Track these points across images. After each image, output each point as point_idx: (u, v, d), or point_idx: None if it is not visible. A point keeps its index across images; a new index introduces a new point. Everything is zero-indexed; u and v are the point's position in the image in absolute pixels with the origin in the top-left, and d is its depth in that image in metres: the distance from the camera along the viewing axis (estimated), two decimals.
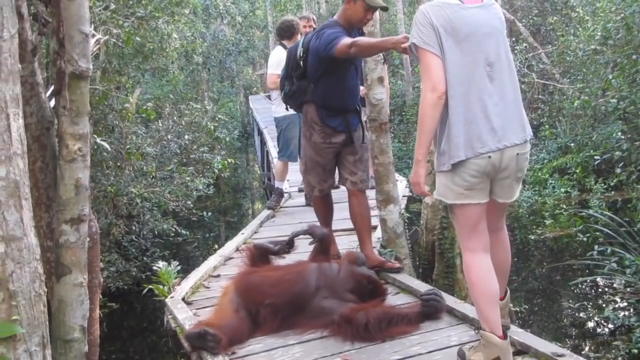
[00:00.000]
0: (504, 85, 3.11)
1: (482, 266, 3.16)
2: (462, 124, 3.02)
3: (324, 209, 5.17)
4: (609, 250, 6.58)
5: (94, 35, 7.37)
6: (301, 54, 4.81)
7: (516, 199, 3.33)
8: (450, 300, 4.11)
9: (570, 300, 7.66)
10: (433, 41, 3.01)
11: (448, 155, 3.05)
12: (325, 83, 4.72)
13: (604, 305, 7.19)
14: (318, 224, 5.31)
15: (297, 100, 4.96)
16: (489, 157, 3.01)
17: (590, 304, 7.50)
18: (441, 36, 3.00)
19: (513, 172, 3.12)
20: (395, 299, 4.34)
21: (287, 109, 5.46)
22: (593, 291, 7.87)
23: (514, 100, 3.15)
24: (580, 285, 7.84)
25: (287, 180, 9.13)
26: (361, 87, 5.18)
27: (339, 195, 5.38)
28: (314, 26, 7.39)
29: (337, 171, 5.09)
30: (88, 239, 3.17)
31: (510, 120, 3.09)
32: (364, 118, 5.12)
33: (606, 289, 7.74)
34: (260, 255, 4.45)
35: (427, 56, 3.02)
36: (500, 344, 3.08)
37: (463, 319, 3.85)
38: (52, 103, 3.39)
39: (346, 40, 4.35)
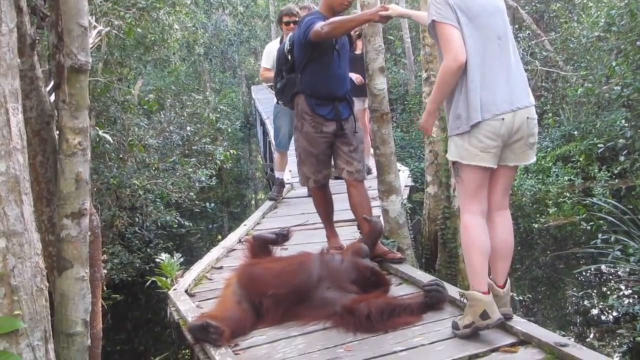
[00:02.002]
0: (510, 56, 3.44)
1: (480, 227, 3.46)
2: (478, 89, 3.31)
3: (323, 200, 5.18)
4: (612, 238, 6.55)
5: (95, 27, 7.39)
6: (288, 47, 4.95)
7: (533, 162, 3.67)
8: (452, 290, 4.10)
9: (574, 289, 7.65)
10: (452, 17, 3.30)
11: (466, 118, 3.33)
12: (311, 71, 4.80)
13: (608, 293, 7.18)
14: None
15: (288, 93, 5.01)
16: (502, 119, 3.30)
17: (595, 292, 7.49)
18: (457, 13, 3.31)
19: (525, 135, 3.41)
20: (398, 290, 4.34)
21: (277, 102, 5.49)
22: (597, 279, 7.85)
23: (519, 70, 3.49)
24: (584, 274, 7.83)
25: (290, 171, 9.12)
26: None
27: (341, 186, 5.37)
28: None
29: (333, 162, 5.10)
30: (89, 233, 3.16)
31: (519, 86, 3.42)
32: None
33: (610, 277, 7.73)
34: (260, 246, 4.46)
35: (448, 29, 3.31)
36: (484, 298, 3.37)
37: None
38: (53, 97, 3.38)
39: (320, 22, 4.49)
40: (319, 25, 4.47)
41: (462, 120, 3.36)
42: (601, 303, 7.01)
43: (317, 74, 4.80)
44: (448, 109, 3.50)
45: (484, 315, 3.34)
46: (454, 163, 3.52)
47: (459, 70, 3.30)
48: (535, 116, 3.46)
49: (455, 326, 3.52)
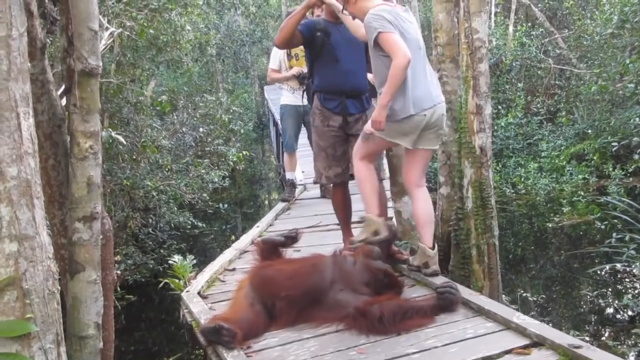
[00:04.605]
0: (427, 64, 4.39)
1: (371, 169, 4.54)
2: (410, 89, 4.15)
3: (341, 201, 5.23)
4: (627, 237, 6.51)
5: (107, 29, 7.43)
6: None
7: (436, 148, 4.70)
8: (465, 292, 4.09)
9: (589, 288, 7.60)
10: (392, 28, 4.06)
11: (400, 110, 4.18)
12: (317, 69, 5.08)
13: (623, 292, 7.14)
14: (334, 215, 5.37)
15: (310, 94, 5.26)
16: (425, 114, 4.21)
17: (609, 291, 7.44)
18: (394, 27, 4.08)
19: (439, 126, 4.37)
20: (411, 292, 4.32)
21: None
22: (612, 278, 7.80)
23: (433, 74, 4.48)
24: (598, 273, 7.78)
25: (303, 172, 9.11)
26: (371, 76, 5.17)
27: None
28: (321, 15, 7.38)
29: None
30: (101, 236, 3.17)
31: (435, 87, 4.38)
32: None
33: (625, 276, 7.68)
34: (269, 249, 4.45)
35: (392, 36, 4.05)
36: (377, 219, 4.41)
37: (479, 311, 3.83)
38: (64, 101, 3.39)
39: None
40: None
41: (394, 112, 4.18)
42: (616, 302, 6.96)
43: (322, 70, 5.02)
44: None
45: (376, 233, 4.37)
46: (370, 134, 4.34)
47: (408, 65, 4.00)
48: (445, 113, 4.41)
49: (351, 242, 4.53)
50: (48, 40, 3.94)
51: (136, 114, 9.12)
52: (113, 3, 8.23)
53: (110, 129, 6.44)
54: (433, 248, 4.46)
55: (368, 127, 4.35)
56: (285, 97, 7.81)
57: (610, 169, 11.13)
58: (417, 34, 4.34)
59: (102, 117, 8.25)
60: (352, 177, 5.23)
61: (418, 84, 4.20)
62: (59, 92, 3.47)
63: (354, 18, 4.54)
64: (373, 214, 4.44)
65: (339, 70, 4.93)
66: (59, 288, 2.53)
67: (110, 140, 6.43)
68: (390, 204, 5.42)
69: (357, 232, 5.44)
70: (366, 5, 4.32)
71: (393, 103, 4.16)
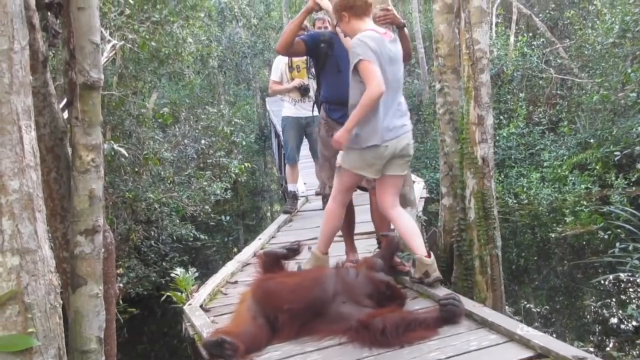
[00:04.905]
0: (399, 96, 4.46)
1: (339, 213, 4.66)
2: (378, 120, 4.25)
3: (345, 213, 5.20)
4: (631, 247, 6.49)
5: (109, 41, 7.45)
6: None
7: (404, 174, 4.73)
8: (468, 304, 4.07)
9: (593, 298, 7.58)
10: (373, 57, 4.13)
11: (364, 139, 4.27)
12: (322, 79, 5.14)
13: (627, 302, 7.11)
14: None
15: (319, 105, 5.29)
16: (387, 145, 4.31)
17: (613, 301, 7.41)
18: (375, 55, 4.15)
19: (405, 155, 4.48)
20: (414, 304, 4.31)
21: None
22: (616, 288, 7.77)
23: (402, 104, 4.49)
24: (602, 283, 7.76)
25: (305, 184, 9.10)
26: None
27: (363, 197, 5.37)
28: (329, 27, 7.40)
29: None
30: (103, 250, 3.15)
31: (401, 118, 4.44)
32: None
33: (629, 286, 7.65)
34: (271, 262, 4.43)
35: (372, 65, 4.12)
36: (323, 257, 4.71)
37: (482, 322, 3.81)
38: (66, 114, 3.38)
39: None
40: None
41: (360, 139, 4.28)
42: (620, 312, 6.93)
43: (326, 81, 5.07)
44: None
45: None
46: (340, 166, 4.51)
47: (380, 96, 4.10)
48: (411, 141, 4.53)
49: (299, 268, 4.69)
50: (50, 53, 3.95)
51: (138, 126, 9.13)
52: (115, 16, 8.26)
53: (112, 142, 6.44)
54: (429, 256, 4.47)
55: (339, 160, 4.53)
56: (286, 108, 7.81)
57: (613, 179, 11.12)
58: (397, 67, 4.41)
59: (104, 129, 8.26)
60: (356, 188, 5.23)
61: (387, 116, 4.32)
62: (61, 105, 3.47)
63: (345, 36, 4.58)
64: (319, 252, 4.73)
65: (342, 81, 4.92)
66: (61, 302, 2.52)
67: (113, 153, 6.43)
68: None
69: (360, 244, 5.46)
70: (358, 27, 4.37)
71: (360, 130, 4.27)
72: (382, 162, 4.36)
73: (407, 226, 4.48)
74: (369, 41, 4.17)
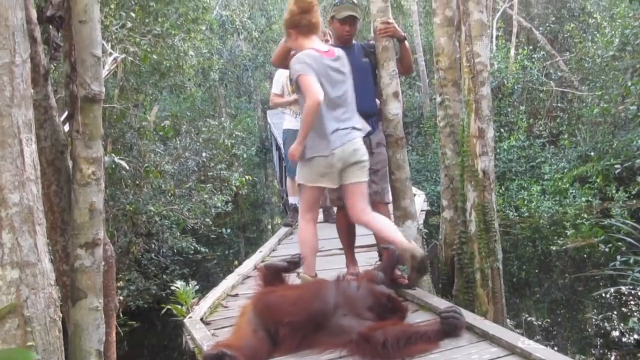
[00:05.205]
0: (345, 106, 4.51)
1: (312, 230, 4.70)
2: (322, 131, 4.37)
3: (344, 226, 5.20)
4: (632, 260, 6.47)
5: (111, 54, 7.47)
6: None
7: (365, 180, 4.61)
8: (469, 317, 4.05)
9: (594, 311, 7.56)
10: (310, 71, 4.30)
11: (310, 150, 4.41)
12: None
13: (628, 315, 7.08)
14: (337, 240, 5.36)
15: None
16: (334, 153, 4.37)
17: (615, 314, 7.39)
18: (312, 70, 4.30)
19: (355, 161, 4.47)
20: (415, 317, 4.29)
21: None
22: (617, 301, 7.75)
23: (352, 112, 4.57)
24: (603, 296, 7.74)
25: None
26: (377, 101, 5.20)
27: None
28: (330, 40, 7.43)
29: None
30: (103, 263, 3.15)
31: (349, 124, 4.49)
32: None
33: (630, 299, 7.63)
34: (272, 275, 4.42)
35: (309, 78, 4.28)
36: (311, 280, 4.63)
37: (483, 335, 3.79)
38: (67, 127, 3.39)
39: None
40: None
41: (306, 151, 4.42)
42: (622, 325, 6.91)
43: None
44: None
45: None
46: (299, 184, 4.64)
47: (318, 107, 4.23)
48: (361, 146, 4.50)
49: None
50: (51, 67, 3.96)
51: (139, 139, 9.15)
52: (117, 29, 8.29)
53: (113, 154, 6.45)
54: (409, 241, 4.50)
55: (296, 177, 4.71)
56: (287, 121, 7.81)
57: (614, 192, 11.12)
58: (344, 80, 4.53)
59: (105, 142, 8.28)
60: None
61: (330, 127, 4.41)
62: (62, 118, 3.48)
63: (292, 51, 4.71)
64: (308, 275, 4.70)
65: None
66: (61, 315, 2.51)
67: (113, 166, 6.43)
68: None
69: (360, 257, 5.45)
70: (304, 44, 4.52)
71: (306, 142, 4.42)
72: (334, 171, 4.46)
73: (383, 224, 4.55)
74: (306, 58, 4.37)
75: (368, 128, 4.75)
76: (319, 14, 4.68)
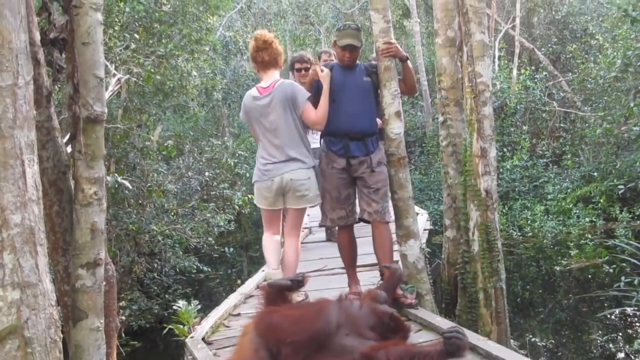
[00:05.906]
0: (282, 140, 4.94)
1: (271, 240, 5.25)
2: (261, 161, 5.01)
3: (346, 245, 5.23)
4: (636, 281, 6.44)
5: (115, 75, 7.52)
6: None
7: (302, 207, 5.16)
8: (473, 337, 4.04)
9: (599, 332, 7.51)
10: (245, 119, 5.22)
11: (255, 175, 5.07)
12: None
13: (634, 336, 7.04)
14: (339, 259, 5.36)
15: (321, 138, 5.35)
16: (273, 180, 4.93)
17: (620, 335, 7.34)
18: (246, 110, 5.10)
19: (293, 190, 4.96)
20: (417, 336, 4.28)
21: None
22: (622, 322, 7.71)
23: (293, 145, 4.97)
24: (608, 317, 7.69)
25: (308, 215, 9.09)
26: (378, 120, 5.22)
27: (366, 229, 5.36)
28: (334, 59, 7.48)
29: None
30: (104, 283, 3.15)
31: (286, 156, 4.94)
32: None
33: (635, 320, 7.59)
34: (276, 293, 4.40)
35: (249, 125, 5.19)
36: (274, 272, 5.11)
37: (487, 356, 3.78)
38: (69, 148, 3.41)
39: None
40: None
41: (254, 177, 5.09)
42: (627, 347, 6.86)
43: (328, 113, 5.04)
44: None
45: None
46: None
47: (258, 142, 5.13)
48: (300, 177, 4.93)
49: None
50: (54, 88, 3.98)
51: (142, 158, 9.17)
52: (121, 50, 8.34)
53: (116, 174, 6.46)
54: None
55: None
56: None
57: (617, 212, 11.09)
58: (271, 116, 4.95)
59: (108, 162, 8.30)
60: (358, 220, 5.22)
61: (266, 157, 5.00)
62: (65, 139, 3.49)
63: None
64: (271, 269, 5.23)
65: (338, 112, 4.96)
66: (62, 336, 2.51)
67: (116, 185, 6.44)
68: (396, 247, 5.39)
69: (362, 276, 5.44)
70: (261, 77, 5.15)
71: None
72: (272, 195, 5.00)
73: (288, 257, 5.14)
74: (245, 101, 5.14)
75: (307, 159, 5.03)
76: (278, 50, 5.06)
